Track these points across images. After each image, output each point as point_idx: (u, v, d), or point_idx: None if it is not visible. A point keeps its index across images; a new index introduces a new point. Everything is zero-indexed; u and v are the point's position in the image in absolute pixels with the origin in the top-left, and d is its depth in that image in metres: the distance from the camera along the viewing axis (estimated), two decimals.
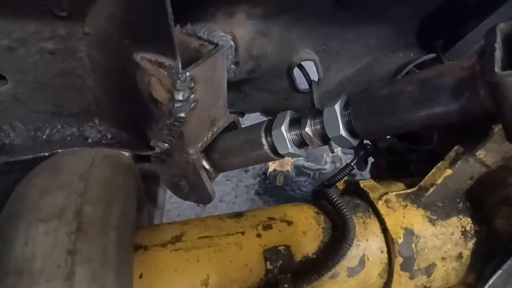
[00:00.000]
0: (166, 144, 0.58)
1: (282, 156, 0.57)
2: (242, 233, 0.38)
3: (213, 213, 1.50)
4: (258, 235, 0.38)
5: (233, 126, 0.65)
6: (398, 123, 0.47)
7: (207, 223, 0.40)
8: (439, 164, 0.44)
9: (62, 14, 0.51)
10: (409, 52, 0.78)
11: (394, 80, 0.67)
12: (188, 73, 0.50)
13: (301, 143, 0.56)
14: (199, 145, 0.59)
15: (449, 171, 0.43)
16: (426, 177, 0.45)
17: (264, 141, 0.56)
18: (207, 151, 0.62)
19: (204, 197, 0.61)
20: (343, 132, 0.50)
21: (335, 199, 0.42)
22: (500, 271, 0.42)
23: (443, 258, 0.44)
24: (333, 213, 0.42)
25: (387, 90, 0.49)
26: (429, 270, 0.44)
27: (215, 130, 0.61)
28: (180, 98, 0.52)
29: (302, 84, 0.75)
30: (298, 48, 0.70)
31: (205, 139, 0.60)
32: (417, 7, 0.73)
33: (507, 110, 0.35)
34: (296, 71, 0.73)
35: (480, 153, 0.42)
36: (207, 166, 0.63)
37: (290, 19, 0.65)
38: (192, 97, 0.52)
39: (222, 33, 0.59)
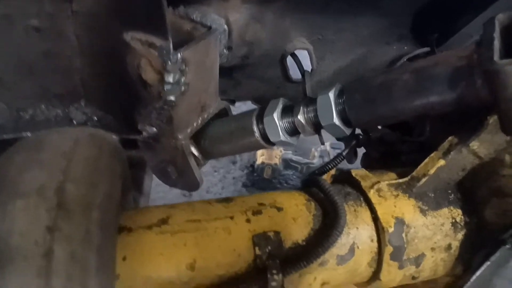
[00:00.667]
0: (154, 129, 0.57)
1: (273, 144, 0.56)
2: (231, 217, 0.37)
3: None
4: (248, 220, 0.37)
5: (223, 113, 0.63)
6: (392, 112, 0.47)
7: (195, 207, 0.38)
8: (432, 155, 0.44)
9: None
10: (403, 45, 0.78)
11: (389, 70, 0.66)
12: (179, 55, 0.49)
13: (293, 131, 0.55)
14: (189, 130, 0.57)
15: (442, 162, 0.43)
16: (419, 167, 0.44)
17: (255, 128, 0.55)
18: (197, 137, 0.61)
19: (191, 184, 0.60)
20: (336, 120, 0.49)
21: (327, 186, 0.41)
22: (488, 263, 0.42)
23: (432, 249, 0.44)
24: (324, 201, 0.42)
25: (382, 79, 0.49)
26: (418, 260, 0.44)
27: (205, 116, 0.60)
28: (171, 80, 0.50)
29: (295, 74, 0.74)
30: (292, 36, 0.68)
31: (194, 124, 0.58)
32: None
33: (504, 99, 0.35)
34: (290, 61, 0.72)
35: (474, 144, 0.41)
36: (195, 153, 0.61)
37: (285, 6, 0.64)
38: (183, 80, 0.50)
39: (216, 17, 0.58)
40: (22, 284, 0.24)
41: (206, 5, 0.58)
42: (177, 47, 0.49)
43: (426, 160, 0.44)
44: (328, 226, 0.38)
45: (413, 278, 0.47)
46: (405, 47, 0.77)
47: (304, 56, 0.72)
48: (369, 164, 0.62)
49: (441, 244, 0.44)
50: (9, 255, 0.24)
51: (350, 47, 0.74)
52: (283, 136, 0.54)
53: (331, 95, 0.50)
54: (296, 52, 0.70)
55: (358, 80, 0.51)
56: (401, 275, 0.44)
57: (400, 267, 0.44)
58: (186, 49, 0.49)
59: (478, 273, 0.42)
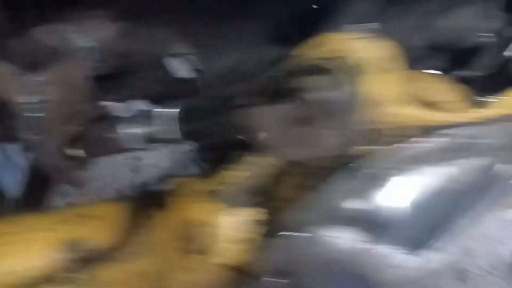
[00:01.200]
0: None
1: None
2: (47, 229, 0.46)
3: None
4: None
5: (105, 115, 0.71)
6: None
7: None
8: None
9: None
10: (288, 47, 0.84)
11: None
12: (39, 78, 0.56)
13: None
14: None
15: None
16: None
17: None
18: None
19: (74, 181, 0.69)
20: None
21: None
22: None
23: None
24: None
25: None
26: None
27: (82, 122, 0.68)
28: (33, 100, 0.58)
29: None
30: (172, 42, 0.75)
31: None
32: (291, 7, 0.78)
33: None
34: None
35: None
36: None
37: (159, 19, 0.69)
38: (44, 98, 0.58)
39: (82, 35, 0.64)
40: None
41: (73, 24, 0.64)
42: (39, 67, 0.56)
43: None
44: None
45: None
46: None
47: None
48: None
49: None
50: None
51: (234, 49, 0.80)
52: None
53: None
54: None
55: None
56: None
57: None
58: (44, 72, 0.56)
59: None
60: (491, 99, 0.54)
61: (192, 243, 0.51)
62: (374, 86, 0.44)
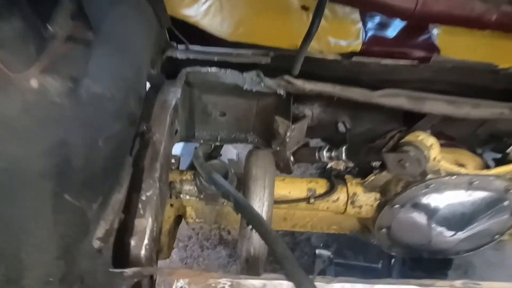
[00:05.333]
0: (278, 148, 1.48)
1: None
2: None
3: None
4: None
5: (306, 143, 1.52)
6: None
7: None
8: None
9: None
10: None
11: None
12: (293, 126, 1.39)
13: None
14: (292, 150, 1.47)
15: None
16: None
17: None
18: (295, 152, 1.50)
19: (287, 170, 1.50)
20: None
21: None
22: None
23: None
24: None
25: None
26: None
27: (300, 143, 1.49)
28: (288, 135, 1.40)
29: None
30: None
31: (294, 147, 1.48)
32: None
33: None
34: None
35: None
36: (292, 159, 1.51)
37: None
38: (292, 134, 1.40)
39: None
40: None
41: (303, 104, 1.46)
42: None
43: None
44: None
45: None
46: None
47: None
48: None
49: None
50: None
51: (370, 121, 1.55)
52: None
53: None
54: None
55: None
56: None
57: None
58: (295, 125, 1.38)
59: None
60: None
61: None
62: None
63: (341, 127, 1.55)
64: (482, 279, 0.86)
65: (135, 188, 0.80)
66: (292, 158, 1.52)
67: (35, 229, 0.58)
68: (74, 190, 0.62)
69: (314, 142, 1.64)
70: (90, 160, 0.65)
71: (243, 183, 1.13)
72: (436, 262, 1.34)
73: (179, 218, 1.26)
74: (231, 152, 2.75)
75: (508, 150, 1.13)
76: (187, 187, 1.17)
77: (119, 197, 0.74)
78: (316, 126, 1.53)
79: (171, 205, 1.20)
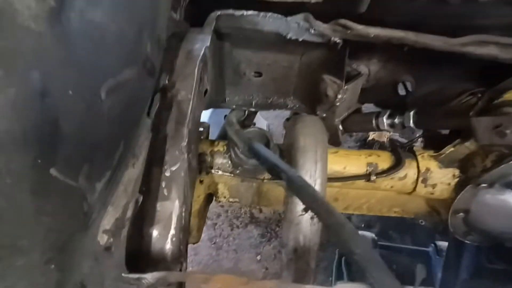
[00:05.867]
0: (324, 114, 1.24)
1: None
2: None
3: None
4: None
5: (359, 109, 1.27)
6: None
7: None
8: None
9: None
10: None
11: None
12: (345, 87, 1.13)
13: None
14: (340, 118, 1.23)
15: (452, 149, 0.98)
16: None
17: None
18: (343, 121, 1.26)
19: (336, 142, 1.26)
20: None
21: None
22: None
23: None
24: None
25: None
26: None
27: (349, 111, 1.25)
28: (339, 97, 1.15)
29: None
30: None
31: (344, 114, 1.23)
32: None
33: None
34: None
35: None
36: (341, 128, 1.27)
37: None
38: (344, 97, 1.15)
39: (362, 66, 1.20)
40: None
41: (358, 60, 1.20)
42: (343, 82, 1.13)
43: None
44: None
45: None
46: None
47: None
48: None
49: None
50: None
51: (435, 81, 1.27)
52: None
53: None
54: None
55: None
56: None
57: None
58: (347, 85, 1.13)
59: None
60: None
61: None
62: None
63: (401, 90, 1.29)
64: None
65: (155, 161, 0.59)
66: (341, 127, 1.28)
67: (9, 223, 0.39)
68: (66, 163, 0.42)
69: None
70: (89, 119, 0.45)
71: (287, 156, 0.91)
72: None
73: (210, 196, 1.06)
74: (260, 122, 2.51)
75: None
76: (219, 160, 0.96)
77: (133, 173, 0.54)
78: (372, 88, 1.28)
79: (201, 181, 0.99)
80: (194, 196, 0.98)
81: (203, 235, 2.14)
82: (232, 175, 0.95)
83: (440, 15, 0.96)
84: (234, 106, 1.21)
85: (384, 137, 2.53)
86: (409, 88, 1.28)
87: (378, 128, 1.16)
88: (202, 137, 1.02)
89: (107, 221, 0.49)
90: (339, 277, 1.78)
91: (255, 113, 1.44)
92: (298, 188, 0.60)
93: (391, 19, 0.97)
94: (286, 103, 1.28)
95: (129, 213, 0.52)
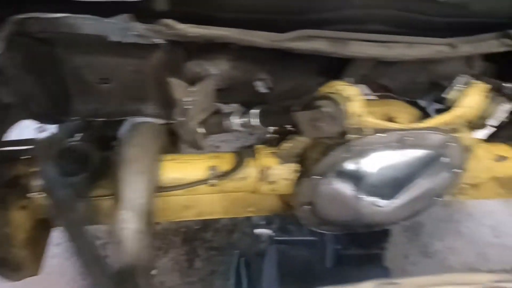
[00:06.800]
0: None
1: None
2: None
3: None
4: None
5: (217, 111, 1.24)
6: None
7: None
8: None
9: None
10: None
11: None
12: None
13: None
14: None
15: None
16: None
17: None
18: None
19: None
20: None
21: None
22: None
23: None
24: None
25: None
26: None
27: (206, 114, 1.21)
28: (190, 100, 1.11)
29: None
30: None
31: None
32: None
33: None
34: None
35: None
36: (199, 130, 1.23)
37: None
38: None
39: (212, 67, 1.17)
40: None
41: (208, 60, 1.17)
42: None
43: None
44: None
45: None
46: None
47: None
48: None
49: None
50: None
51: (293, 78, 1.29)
52: None
53: None
54: None
55: None
56: None
57: None
58: (195, 87, 1.09)
59: None
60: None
61: None
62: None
63: (262, 87, 1.29)
64: (432, 236, 0.68)
65: None
66: (203, 130, 1.24)
67: None
68: None
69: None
70: None
71: (116, 168, 0.84)
72: (372, 235, 1.15)
73: (45, 221, 0.95)
74: None
75: (445, 94, 0.92)
76: (38, 182, 0.86)
77: None
78: (230, 88, 1.26)
79: (23, 207, 0.89)
80: (18, 223, 0.88)
81: None
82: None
83: (284, 11, 0.96)
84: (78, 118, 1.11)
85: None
86: (268, 86, 1.29)
87: (231, 129, 1.15)
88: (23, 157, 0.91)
89: None
90: (238, 280, 1.76)
91: (120, 122, 1.35)
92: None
93: (227, 16, 0.95)
94: (141, 109, 1.21)
95: None
